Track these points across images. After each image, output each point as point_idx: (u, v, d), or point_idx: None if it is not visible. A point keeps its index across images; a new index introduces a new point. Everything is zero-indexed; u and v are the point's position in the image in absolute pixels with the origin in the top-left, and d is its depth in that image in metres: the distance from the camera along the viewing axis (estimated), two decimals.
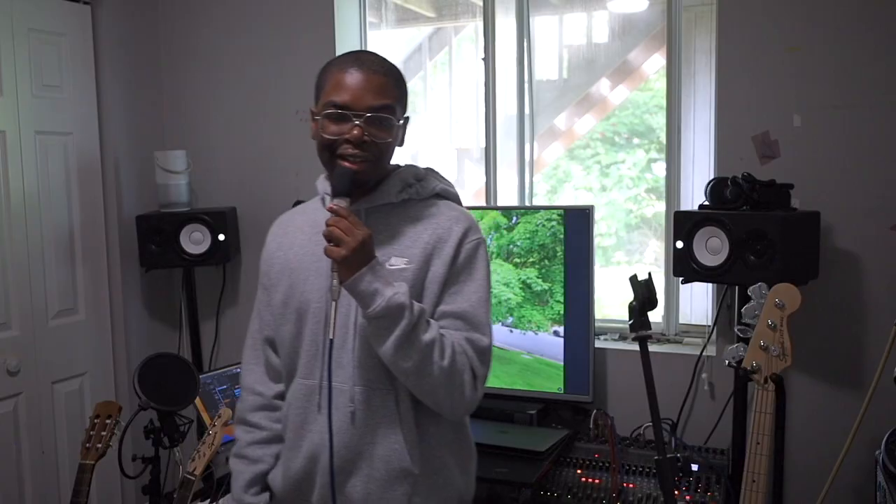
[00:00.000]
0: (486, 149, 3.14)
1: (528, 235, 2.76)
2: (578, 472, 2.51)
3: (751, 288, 2.05)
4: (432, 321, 1.54)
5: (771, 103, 2.55)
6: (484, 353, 1.57)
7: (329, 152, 1.58)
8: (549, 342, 2.74)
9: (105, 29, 3.23)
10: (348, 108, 1.54)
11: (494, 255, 2.81)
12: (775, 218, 2.27)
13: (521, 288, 2.77)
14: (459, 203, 1.72)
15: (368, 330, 1.51)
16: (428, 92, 3.57)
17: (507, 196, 3.15)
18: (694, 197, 2.86)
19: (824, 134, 2.49)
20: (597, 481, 2.47)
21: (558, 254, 2.71)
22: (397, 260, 1.57)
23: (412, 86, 3.59)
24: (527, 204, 3.10)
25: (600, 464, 2.52)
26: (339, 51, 3.20)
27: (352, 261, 1.46)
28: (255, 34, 3.32)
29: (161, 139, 3.46)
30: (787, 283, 2.00)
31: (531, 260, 2.76)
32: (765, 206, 2.37)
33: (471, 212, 1.70)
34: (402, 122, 1.62)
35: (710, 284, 2.74)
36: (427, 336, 1.49)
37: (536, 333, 2.76)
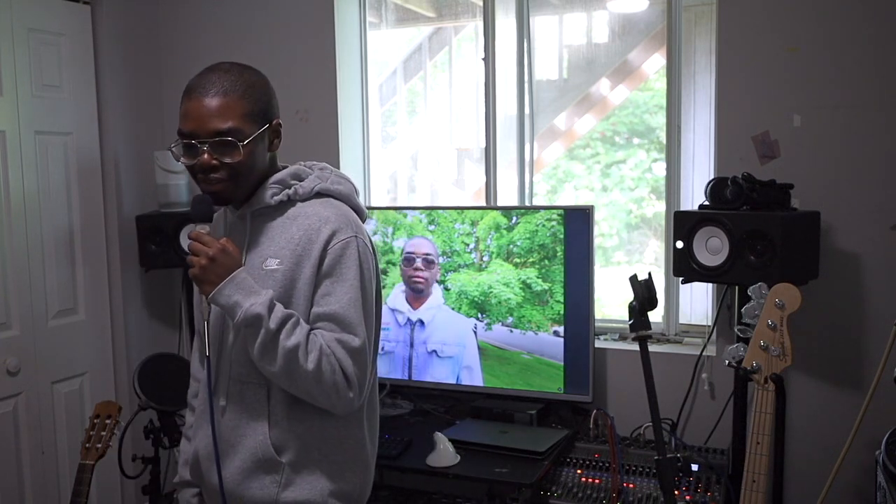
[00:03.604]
0: (486, 149, 3.14)
1: (528, 235, 2.76)
2: (578, 472, 2.51)
3: (751, 288, 2.05)
4: (302, 324, 1.58)
5: (771, 103, 2.55)
6: (356, 353, 1.60)
7: (193, 176, 1.65)
8: (549, 342, 2.74)
9: (105, 29, 3.23)
10: (193, 136, 1.59)
11: (494, 255, 2.81)
12: (775, 218, 2.26)
13: (521, 288, 2.77)
14: (349, 200, 1.73)
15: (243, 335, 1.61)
16: (428, 92, 3.57)
17: (507, 196, 3.15)
18: (694, 197, 2.86)
19: (824, 134, 2.49)
20: (597, 481, 2.47)
21: (558, 254, 2.71)
22: (271, 261, 1.64)
23: (412, 86, 3.59)
24: (527, 204, 3.10)
25: (600, 464, 2.52)
26: (340, 51, 3.19)
27: (205, 278, 1.56)
28: (254, 34, 3.31)
29: (161, 139, 3.46)
30: (787, 283, 2.01)
31: (531, 260, 2.76)
32: (765, 206, 2.36)
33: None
34: (253, 137, 1.61)
35: (710, 284, 2.74)
36: (290, 341, 1.54)
37: (536, 333, 2.76)
